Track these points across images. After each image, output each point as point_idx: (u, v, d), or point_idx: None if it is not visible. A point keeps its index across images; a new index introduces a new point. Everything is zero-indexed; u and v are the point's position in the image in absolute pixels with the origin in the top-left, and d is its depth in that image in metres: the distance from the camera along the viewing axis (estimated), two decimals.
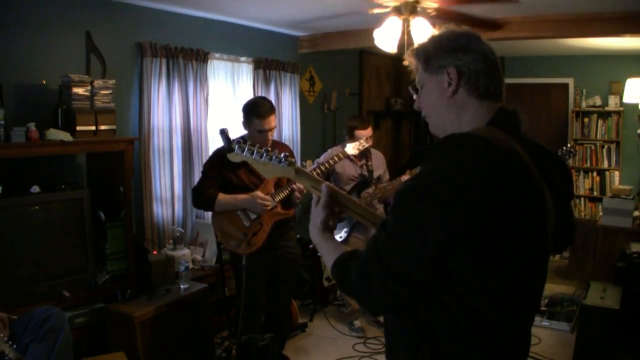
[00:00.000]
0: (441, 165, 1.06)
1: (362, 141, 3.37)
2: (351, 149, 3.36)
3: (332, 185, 1.35)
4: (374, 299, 1.16)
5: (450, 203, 1.01)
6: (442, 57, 1.19)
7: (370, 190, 3.90)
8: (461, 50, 1.18)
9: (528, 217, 1.09)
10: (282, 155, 1.36)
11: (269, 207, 2.95)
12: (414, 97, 1.30)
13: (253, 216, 2.99)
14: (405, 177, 3.84)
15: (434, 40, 1.23)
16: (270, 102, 3.04)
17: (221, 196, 2.98)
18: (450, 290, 1.08)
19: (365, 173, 3.93)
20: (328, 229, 1.34)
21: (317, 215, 1.34)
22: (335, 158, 3.29)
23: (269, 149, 1.39)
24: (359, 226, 3.86)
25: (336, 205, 1.34)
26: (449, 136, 1.16)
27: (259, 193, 2.95)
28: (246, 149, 1.39)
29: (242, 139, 3.08)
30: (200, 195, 3.01)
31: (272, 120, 2.97)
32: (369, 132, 3.84)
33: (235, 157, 1.41)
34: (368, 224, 1.33)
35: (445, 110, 1.22)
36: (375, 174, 3.98)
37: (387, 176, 4.08)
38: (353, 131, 3.83)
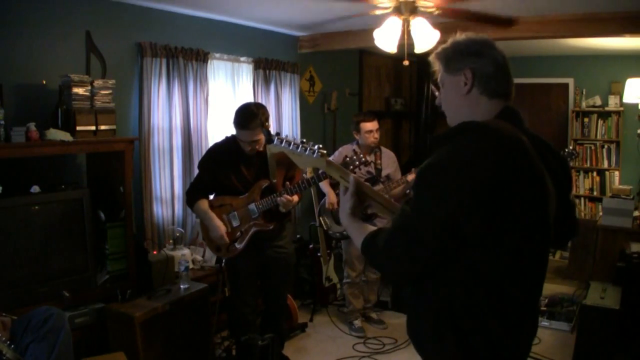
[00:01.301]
0: (454, 145, 1.25)
1: (356, 158, 3.10)
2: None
3: (357, 177, 1.52)
4: (398, 268, 1.30)
5: (462, 174, 1.20)
6: (460, 60, 1.38)
7: (377, 188, 3.90)
8: (476, 54, 1.37)
9: (531, 194, 1.24)
10: (316, 147, 1.49)
11: (224, 245, 3.01)
12: (436, 94, 1.49)
13: (235, 223, 3.01)
14: (411, 176, 3.84)
15: (454, 44, 1.41)
16: (261, 114, 2.87)
17: (201, 203, 3.04)
18: (467, 263, 1.24)
19: (373, 171, 3.92)
20: (356, 214, 1.50)
21: (346, 202, 1.50)
22: (353, 168, 3.06)
23: (305, 140, 1.51)
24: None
25: (361, 195, 1.50)
26: (461, 123, 1.32)
27: (222, 232, 2.97)
28: (284, 141, 1.52)
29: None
30: (187, 194, 3.13)
31: (256, 134, 2.86)
32: (374, 124, 3.86)
33: (274, 148, 1.54)
34: (387, 212, 1.51)
35: (461, 106, 1.40)
36: (384, 173, 3.97)
37: (398, 175, 4.04)
38: (359, 125, 3.86)
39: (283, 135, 1.54)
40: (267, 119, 2.92)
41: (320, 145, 1.52)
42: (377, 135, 3.88)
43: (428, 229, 1.22)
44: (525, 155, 1.25)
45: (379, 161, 3.96)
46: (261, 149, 2.96)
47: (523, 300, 1.30)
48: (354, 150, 3.82)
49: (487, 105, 1.37)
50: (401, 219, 1.28)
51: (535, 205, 1.26)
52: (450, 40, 1.44)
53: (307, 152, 1.51)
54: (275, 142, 1.53)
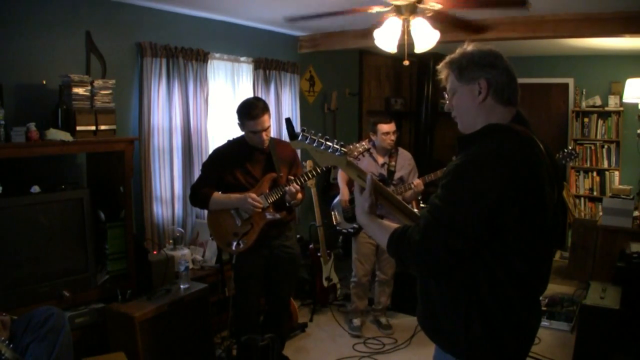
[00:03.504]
0: (487, 145, 1.37)
1: (359, 145, 3.21)
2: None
3: (374, 178, 1.56)
4: (434, 260, 1.35)
5: (501, 169, 1.31)
6: (474, 70, 1.47)
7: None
8: (490, 66, 1.46)
9: (547, 185, 1.38)
10: (339, 146, 1.50)
11: (260, 209, 2.94)
12: (447, 100, 1.56)
13: (245, 216, 2.99)
14: (417, 181, 3.82)
15: (466, 55, 1.49)
16: (263, 102, 3.00)
17: (216, 195, 2.99)
18: (496, 253, 1.35)
19: (385, 172, 3.89)
20: (374, 213, 1.57)
21: (364, 201, 1.56)
22: (357, 155, 3.13)
23: (328, 137, 1.50)
24: None
25: (376, 194, 1.55)
26: (487, 125, 1.44)
27: (251, 194, 2.94)
28: (308, 138, 1.50)
29: (241, 139, 3.09)
30: (196, 193, 3.04)
31: (266, 121, 2.94)
32: (390, 126, 3.85)
33: (297, 144, 1.53)
34: (399, 213, 1.57)
35: (476, 113, 1.48)
36: (397, 175, 3.92)
37: (413, 176, 3.97)
38: (376, 126, 3.85)
39: (307, 132, 1.51)
40: (268, 110, 2.98)
41: (342, 143, 1.51)
42: (393, 137, 3.86)
43: (467, 221, 1.31)
44: (541, 154, 1.41)
45: (393, 163, 3.92)
46: (267, 141, 2.99)
47: (539, 286, 1.48)
48: (372, 142, 3.80)
49: (501, 111, 1.47)
50: (435, 212, 1.34)
51: (549, 200, 1.40)
52: (459, 51, 1.51)
53: (329, 150, 1.49)
54: (300, 138, 1.51)
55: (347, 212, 3.99)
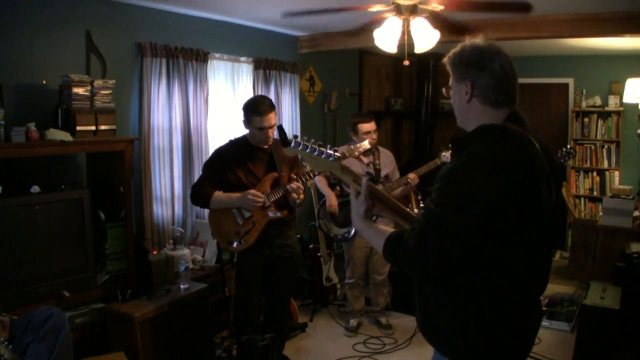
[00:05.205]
0: (481, 146, 1.35)
1: (360, 145, 3.18)
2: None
3: (369, 182, 1.55)
4: (430, 264, 1.33)
5: (495, 172, 1.29)
6: (463, 70, 1.46)
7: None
8: (476, 67, 1.43)
9: (543, 186, 1.36)
10: (332, 151, 1.50)
11: (260, 204, 2.95)
12: (450, 94, 1.57)
13: (247, 215, 3.00)
14: (412, 175, 3.83)
15: (461, 51, 1.48)
16: (269, 100, 3.05)
17: (216, 194, 3.01)
18: (493, 256, 1.33)
19: (372, 172, 3.91)
20: (369, 217, 1.55)
21: (359, 205, 1.54)
22: (358, 155, 3.19)
23: (321, 143, 1.50)
24: None
25: (372, 198, 1.54)
26: (481, 126, 1.43)
27: (251, 190, 2.96)
28: (301, 144, 1.50)
29: (242, 139, 3.10)
30: (198, 192, 3.06)
31: (272, 118, 2.98)
32: (371, 125, 3.84)
33: (290, 151, 1.53)
34: (395, 215, 1.55)
35: (466, 113, 1.49)
36: (383, 173, 3.93)
37: (396, 174, 4.02)
38: (356, 126, 3.83)
39: (299, 138, 1.51)
40: (274, 108, 3.03)
41: (336, 148, 1.50)
42: (375, 136, 3.85)
43: (463, 225, 1.29)
44: (537, 154, 1.38)
45: (377, 161, 3.93)
46: (272, 139, 3.02)
47: (538, 288, 1.45)
48: (354, 142, 3.80)
49: (492, 113, 1.44)
50: (430, 217, 1.32)
51: (546, 201, 1.37)
52: (460, 45, 1.49)
53: (323, 156, 1.49)
54: (292, 145, 1.51)
55: (338, 218, 4.00)
